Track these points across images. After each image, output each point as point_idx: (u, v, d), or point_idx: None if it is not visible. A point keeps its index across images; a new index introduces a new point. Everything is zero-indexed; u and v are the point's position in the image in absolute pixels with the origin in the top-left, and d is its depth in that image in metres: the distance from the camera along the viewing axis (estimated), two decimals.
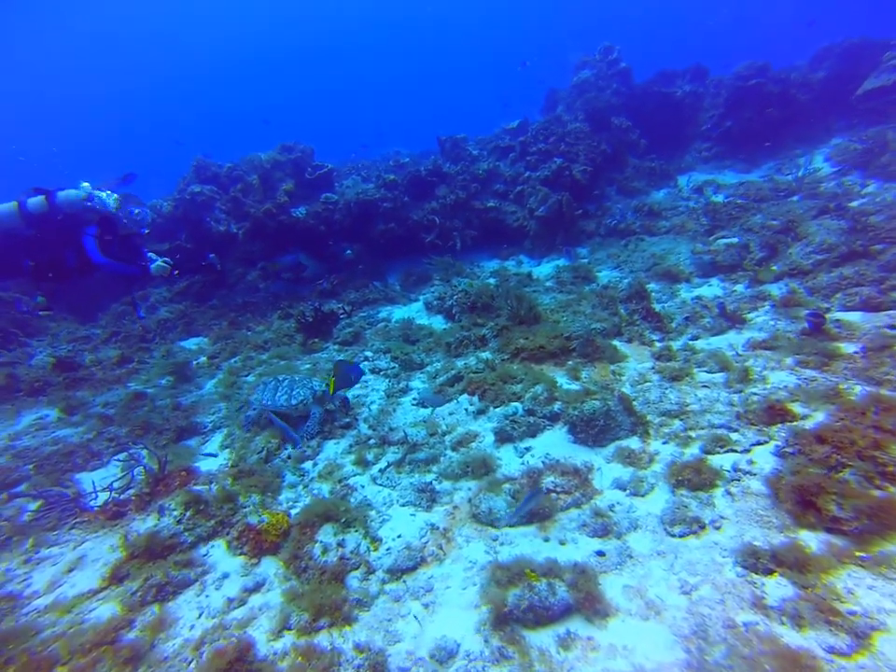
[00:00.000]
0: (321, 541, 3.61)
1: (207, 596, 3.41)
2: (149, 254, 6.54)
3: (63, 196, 5.83)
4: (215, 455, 5.31)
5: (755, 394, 4.43)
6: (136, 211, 6.28)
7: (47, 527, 4.40)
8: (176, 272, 6.59)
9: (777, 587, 2.63)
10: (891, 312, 5.25)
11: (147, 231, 6.51)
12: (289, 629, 2.97)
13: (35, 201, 5.76)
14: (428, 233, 10.24)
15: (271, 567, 3.59)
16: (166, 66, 63.82)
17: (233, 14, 65.56)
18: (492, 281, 8.86)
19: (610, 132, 11.58)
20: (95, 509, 4.62)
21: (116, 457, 5.62)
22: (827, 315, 5.32)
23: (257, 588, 3.40)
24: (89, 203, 5.89)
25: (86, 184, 6.01)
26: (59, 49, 56.28)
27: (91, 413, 6.46)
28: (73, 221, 5.94)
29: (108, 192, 6.08)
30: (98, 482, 4.96)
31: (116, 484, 4.87)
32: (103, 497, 4.75)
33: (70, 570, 3.79)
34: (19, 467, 5.54)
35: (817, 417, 3.83)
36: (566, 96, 13.16)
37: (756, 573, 2.73)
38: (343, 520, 3.78)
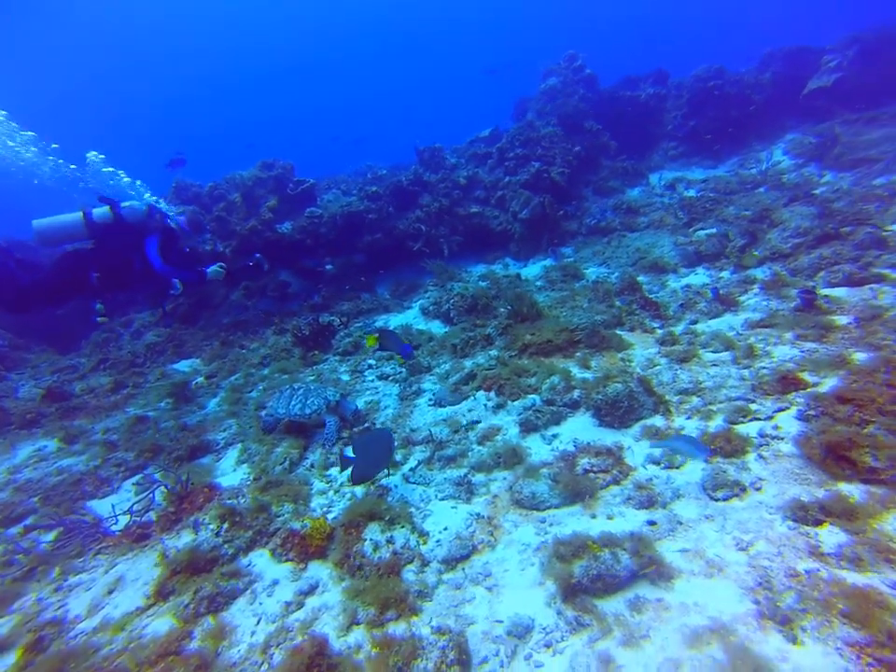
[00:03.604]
0: (370, 539, 3.60)
1: (261, 604, 3.37)
2: None
3: (128, 207, 6.06)
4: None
5: (764, 367, 4.66)
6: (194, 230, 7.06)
7: (71, 555, 4.26)
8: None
9: (829, 535, 2.79)
10: (874, 285, 5.60)
11: (187, 250, 7.28)
12: (358, 624, 2.97)
13: (100, 211, 5.95)
14: (415, 241, 10.34)
15: (319, 570, 3.57)
16: (149, 87, 63.24)
17: (202, 38, 65.43)
18: (483, 284, 9.01)
19: (583, 135, 11.98)
20: (117, 533, 4.49)
21: (127, 482, 5.48)
22: (818, 291, 5.64)
23: (311, 591, 3.38)
24: (153, 215, 6.27)
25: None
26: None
27: (92, 441, 6.26)
28: (137, 231, 6.17)
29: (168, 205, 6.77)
30: (113, 507, 4.83)
31: (136, 507, 4.75)
32: (123, 520, 4.63)
33: (110, 592, 3.68)
34: (23, 500, 5.34)
35: (828, 383, 4.07)
36: (535, 104, 13.55)
37: (807, 525, 2.89)
38: (387, 518, 3.79)
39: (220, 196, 10.25)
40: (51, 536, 4.66)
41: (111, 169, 7.49)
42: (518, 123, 12.39)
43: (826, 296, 5.64)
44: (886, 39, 11.60)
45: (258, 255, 7.83)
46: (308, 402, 5.37)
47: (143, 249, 6.12)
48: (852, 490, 3.02)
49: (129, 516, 4.64)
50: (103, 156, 6.89)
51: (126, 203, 6.11)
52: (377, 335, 5.00)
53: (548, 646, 2.63)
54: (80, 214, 5.88)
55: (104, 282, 6.00)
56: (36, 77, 54.88)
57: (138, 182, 7.48)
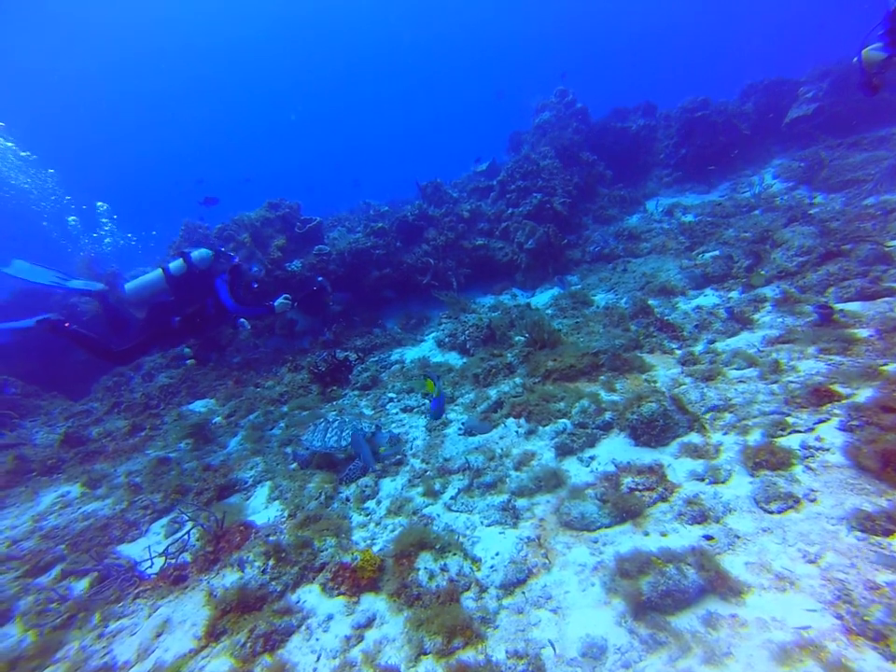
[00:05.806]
0: (424, 568, 3.57)
1: (317, 640, 3.31)
2: None
3: (197, 255, 6.57)
4: None
5: (792, 382, 4.73)
6: (255, 268, 7.51)
7: (110, 600, 4.17)
8: (295, 303, 7.24)
9: None
10: (888, 298, 5.75)
11: (255, 286, 7.52)
12: (426, 654, 2.93)
13: (175, 264, 6.48)
14: (424, 275, 10.49)
15: (374, 602, 3.52)
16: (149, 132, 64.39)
17: (198, 83, 67.55)
18: (494, 315, 9.11)
19: (579, 166, 12.38)
20: (153, 576, 4.41)
21: (155, 524, 5.40)
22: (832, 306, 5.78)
23: (369, 623, 3.33)
24: (219, 258, 6.80)
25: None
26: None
27: (115, 485, 6.18)
28: (208, 275, 6.69)
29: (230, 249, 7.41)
30: (144, 551, 4.75)
31: (171, 549, 4.67)
32: (157, 563, 4.55)
33: (158, 635, 3.60)
34: (50, 548, 5.24)
35: (864, 394, 4.13)
36: (529, 137, 14.04)
37: (876, 535, 2.87)
38: (437, 546, 3.76)
39: (229, 237, 10.39)
40: (84, 582, 4.56)
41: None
42: (516, 156, 12.75)
43: (841, 310, 5.78)
44: (853, 72, 12.23)
45: (320, 278, 8.34)
46: (344, 435, 5.38)
47: (215, 292, 6.64)
48: None
49: (164, 558, 4.56)
50: None
51: (195, 252, 6.60)
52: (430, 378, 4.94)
53: (626, 667, 2.60)
54: (160, 270, 6.43)
55: (184, 325, 6.51)
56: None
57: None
